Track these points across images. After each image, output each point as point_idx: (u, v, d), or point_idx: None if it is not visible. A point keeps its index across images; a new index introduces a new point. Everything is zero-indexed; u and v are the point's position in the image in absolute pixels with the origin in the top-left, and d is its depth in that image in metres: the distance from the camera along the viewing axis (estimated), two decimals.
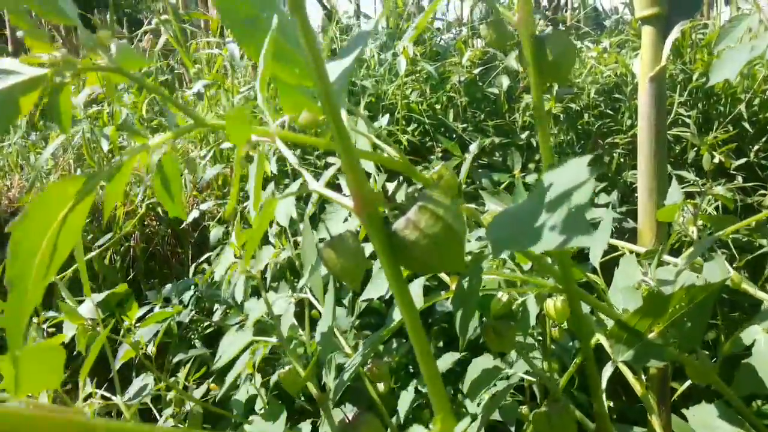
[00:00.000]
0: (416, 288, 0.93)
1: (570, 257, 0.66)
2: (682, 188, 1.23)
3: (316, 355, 0.72)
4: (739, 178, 2.17)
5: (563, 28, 2.46)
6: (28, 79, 0.49)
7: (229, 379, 0.80)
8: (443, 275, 0.97)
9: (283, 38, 0.58)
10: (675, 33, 1.13)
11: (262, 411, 0.97)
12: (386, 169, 1.68)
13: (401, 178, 0.92)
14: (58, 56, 0.53)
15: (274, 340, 0.80)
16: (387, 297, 1.01)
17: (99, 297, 0.94)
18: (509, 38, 0.67)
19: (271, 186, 1.76)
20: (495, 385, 0.93)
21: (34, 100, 0.50)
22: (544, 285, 0.78)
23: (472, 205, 0.68)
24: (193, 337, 1.71)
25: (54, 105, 0.53)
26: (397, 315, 0.85)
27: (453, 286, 0.93)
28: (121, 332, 1.12)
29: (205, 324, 1.65)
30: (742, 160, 2.22)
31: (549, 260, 0.74)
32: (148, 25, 1.93)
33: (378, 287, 0.94)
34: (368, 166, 1.15)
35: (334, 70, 0.55)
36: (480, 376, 0.89)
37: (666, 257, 1.09)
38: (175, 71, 2.54)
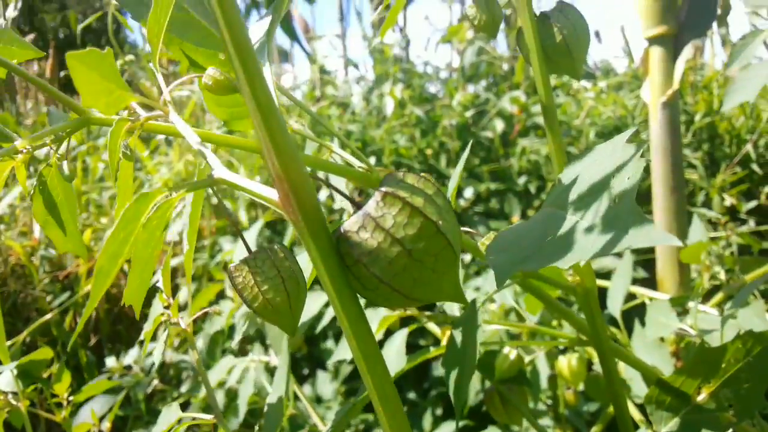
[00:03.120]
0: (397, 342, 0.76)
1: (598, 304, 0.51)
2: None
3: None
4: (751, 222, 2.04)
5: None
6: None
7: None
8: (432, 325, 0.79)
9: (202, 17, 0.44)
10: (687, 52, 1.01)
11: None
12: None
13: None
14: None
15: (208, 417, 0.63)
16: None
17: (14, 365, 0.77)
18: (500, 20, 0.53)
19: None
20: None
21: None
22: (563, 336, 0.62)
23: (466, 228, 0.52)
24: (161, 408, 1.53)
25: None
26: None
27: (444, 341, 0.75)
28: (63, 409, 0.95)
29: (175, 395, 1.48)
30: (753, 203, 2.09)
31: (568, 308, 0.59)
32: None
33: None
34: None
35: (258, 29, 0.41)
36: None
37: (693, 304, 0.94)
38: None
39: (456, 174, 0.50)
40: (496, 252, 0.33)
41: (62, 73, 3.48)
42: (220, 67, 0.42)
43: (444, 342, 0.70)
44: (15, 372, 0.74)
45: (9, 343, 1.47)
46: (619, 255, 1.76)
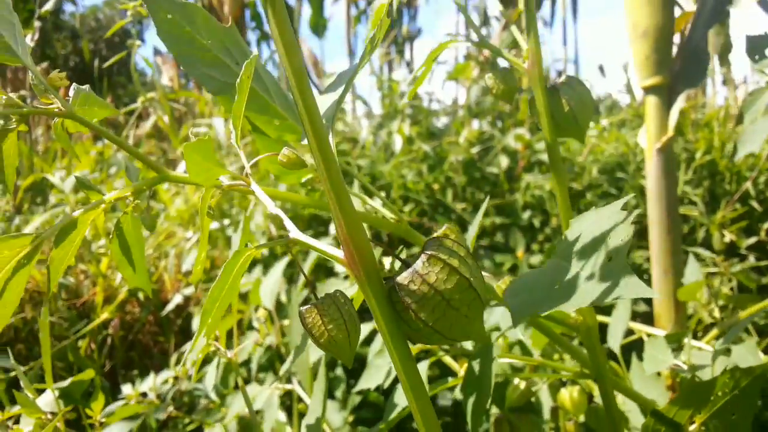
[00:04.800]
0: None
1: (599, 339, 0.56)
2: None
3: None
4: (751, 258, 2.08)
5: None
6: None
7: None
8: (448, 358, 0.85)
9: (262, 90, 0.52)
10: (681, 102, 1.07)
11: None
12: (381, 241, 1.59)
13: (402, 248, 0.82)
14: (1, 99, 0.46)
15: None
16: (386, 386, 0.89)
17: (61, 385, 0.83)
18: (516, 89, 0.59)
19: (258, 269, 1.66)
20: None
21: None
22: (567, 369, 0.67)
23: (484, 273, 0.59)
24: None
25: None
26: (399, 401, 0.73)
27: (461, 372, 0.81)
28: (90, 429, 1.00)
29: (187, 421, 1.52)
30: (753, 239, 2.14)
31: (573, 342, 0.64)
32: (133, 104, 1.89)
33: (375, 375, 0.83)
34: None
35: (321, 103, 0.48)
36: None
37: (687, 341, 0.98)
38: (169, 157, 2.50)
39: (475, 225, 0.56)
40: (512, 296, 0.40)
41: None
42: (275, 131, 0.49)
43: (462, 373, 0.76)
44: (57, 393, 0.79)
45: (26, 368, 1.52)
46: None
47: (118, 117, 3.25)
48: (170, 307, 1.62)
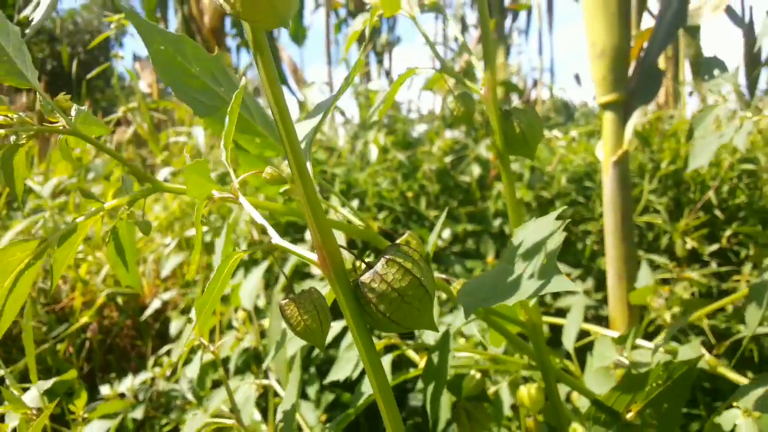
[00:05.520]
0: (383, 365, 0.89)
1: (543, 335, 0.63)
2: (655, 274, 1.21)
3: None
4: (713, 264, 2.17)
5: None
6: None
7: None
8: (412, 353, 0.92)
9: (245, 111, 0.57)
10: (635, 118, 1.14)
11: None
12: (357, 248, 1.64)
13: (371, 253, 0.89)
14: (13, 118, 0.51)
15: (231, 421, 0.74)
16: (355, 377, 0.95)
17: (46, 384, 0.88)
18: (474, 111, 0.66)
19: (241, 272, 1.71)
20: None
21: None
22: (516, 362, 0.74)
23: (442, 275, 0.66)
24: None
25: (7, 167, 0.51)
26: (365, 390, 0.80)
27: (422, 363, 0.88)
28: (73, 424, 1.04)
29: (164, 422, 1.55)
30: (715, 246, 2.23)
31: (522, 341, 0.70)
32: (112, 108, 1.92)
33: (344, 367, 0.89)
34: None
35: (301, 129, 0.54)
36: None
37: (641, 342, 1.05)
38: (147, 163, 2.53)
39: (434, 234, 0.63)
40: (464, 295, 0.47)
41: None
42: (256, 148, 0.55)
43: (422, 364, 0.83)
44: (42, 390, 0.83)
45: (6, 371, 1.55)
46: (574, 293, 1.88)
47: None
48: (149, 311, 1.66)
